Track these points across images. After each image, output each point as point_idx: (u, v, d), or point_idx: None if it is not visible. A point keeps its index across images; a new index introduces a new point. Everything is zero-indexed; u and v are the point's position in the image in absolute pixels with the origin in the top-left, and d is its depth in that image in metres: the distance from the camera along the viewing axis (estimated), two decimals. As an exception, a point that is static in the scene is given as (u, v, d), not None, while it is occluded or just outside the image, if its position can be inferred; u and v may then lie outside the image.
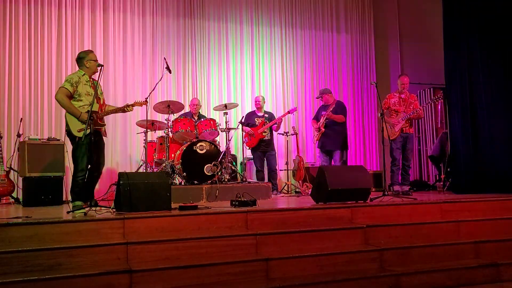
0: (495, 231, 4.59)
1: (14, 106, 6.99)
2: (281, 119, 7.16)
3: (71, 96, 4.56)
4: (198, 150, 5.91)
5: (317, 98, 7.56)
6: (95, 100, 4.60)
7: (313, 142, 7.39)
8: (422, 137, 9.35)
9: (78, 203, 4.48)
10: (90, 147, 4.39)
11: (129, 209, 4.02)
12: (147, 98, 5.46)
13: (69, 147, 4.75)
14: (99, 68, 4.60)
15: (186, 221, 3.99)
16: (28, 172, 5.74)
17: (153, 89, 6.24)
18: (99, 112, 4.65)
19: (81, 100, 4.56)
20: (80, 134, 4.41)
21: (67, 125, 4.54)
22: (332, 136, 6.87)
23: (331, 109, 6.85)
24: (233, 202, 4.59)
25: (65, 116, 4.56)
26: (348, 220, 4.43)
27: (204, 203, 5.16)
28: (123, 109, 4.82)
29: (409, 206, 4.77)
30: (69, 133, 4.54)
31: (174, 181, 6.11)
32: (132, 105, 4.86)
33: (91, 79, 4.71)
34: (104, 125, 4.70)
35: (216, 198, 5.55)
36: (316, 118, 7.19)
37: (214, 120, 6.43)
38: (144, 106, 5.81)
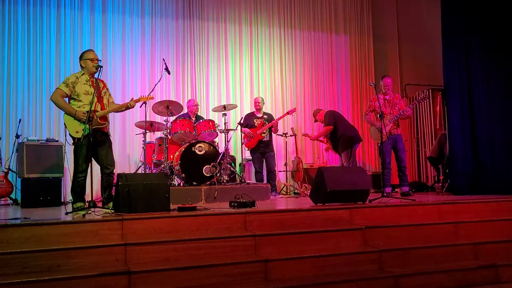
0: (494, 232, 4.59)
1: (13, 107, 6.98)
2: (277, 122, 7.14)
3: (70, 97, 4.58)
4: (197, 151, 5.91)
5: (315, 122, 7.81)
6: (96, 99, 4.59)
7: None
8: (420, 138, 9.36)
9: (79, 204, 4.48)
10: (89, 147, 4.38)
11: (128, 210, 4.01)
12: (151, 92, 5.47)
13: (68, 148, 4.76)
14: (97, 69, 4.60)
15: (184, 222, 3.98)
16: (27, 173, 5.73)
17: (152, 90, 6.22)
18: (98, 111, 4.63)
19: (80, 100, 4.56)
20: (78, 135, 4.43)
21: (65, 127, 4.54)
22: (332, 144, 7.17)
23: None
24: (232, 203, 4.60)
25: (64, 118, 4.57)
26: (347, 221, 4.43)
27: (202, 204, 5.15)
28: (126, 106, 4.79)
29: (408, 207, 4.78)
30: (69, 134, 4.55)
31: (173, 182, 6.11)
32: (137, 100, 4.84)
33: (93, 79, 4.69)
34: (105, 124, 4.67)
35: (214, 199, 5.55)
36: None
37: (213, 121, 6.43)
38: (143, 106, 5.84)
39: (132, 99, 4.84)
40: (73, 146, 4.54)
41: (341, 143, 6.96)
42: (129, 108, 4.85)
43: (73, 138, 4.50)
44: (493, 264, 4.13)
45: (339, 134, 6.97)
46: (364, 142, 9.06)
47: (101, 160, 4.68)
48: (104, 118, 4.67)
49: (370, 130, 6.47)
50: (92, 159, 4.70)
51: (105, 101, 4.75)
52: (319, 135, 7.43)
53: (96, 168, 4.73)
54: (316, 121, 7.57)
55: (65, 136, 4.57)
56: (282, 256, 3.80)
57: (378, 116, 5.84)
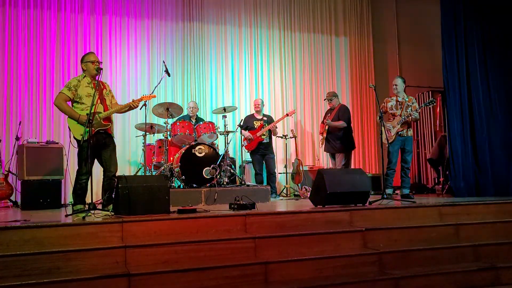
0: (494, 234, 4.59)
1: (13, 109, 6.99)
2: (274, 125, 7.11)
3: (72, 101, 4.59)
4: (197, 153, 5.91)
5: (324, 100, 7.49)
6: (100, 101, 4.60)
7: (319, 146, 7.45)
8: (421, 140, 9.36)
9: (80, 206, 4.49)
10: (88, 150, 4.38)
11: (128, 212, 4.01)
12: (152, 93, 5.48)
13: (68, 150, 4.75)
14: (98, 71, 4.61)
15: (184, 225, 3.97)
16: (27, 176, 5.73)
17: (152, 92, 6.22)
18: (101, 112, 4.63)
19: (83, 103, 4.58)
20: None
21: (70, 130, 4.55)
22: (333, 140, 6.96)
23: (333, 115, 6.95)
24: (232, 206, 4.59)
25: (67, 121, 4.58)
26: (347, 223, 4.42)
27: (202, 207, 5.15)
28: (129, 106, 4.79)
29: (408, 209, 4.77)
30: (73, 137, 4.56)
31: (173, 184, 6.11)
32: (139, 100, 4.85)
33: (94, 81, 4.69)
34: (108, 125, 4.68)
35: (214, 202, 5.54)
36: (323, 122, 7.28)
37: (213, 123, 6.43)
38: (143, 108, 5.84)
39: (133, 100, 4.84)
40: (78, 148, 4.55)
41: (344, 144, 6.94)
42: (133, 108, 4.85)
43: (77, 140, 4.51)
44: (493, 266, 4.13)
45: (347, 135, 6.97)
46: (364, 144, 9.08)
47: (104, 163, 4.68)
48: (108, 119, 4.68)
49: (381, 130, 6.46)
50: (96, 161, 4.71)
51: (107, 102, 4.76)
52: (332, 125, 6.93)
53: (96, 170, 4.73)
54: (326, 100, 7.26)
55: (70, 138, 4.57)
56: (282, 258, 3.80)
57: (378, 118, 5.87)
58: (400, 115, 6.04)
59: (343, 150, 6.93)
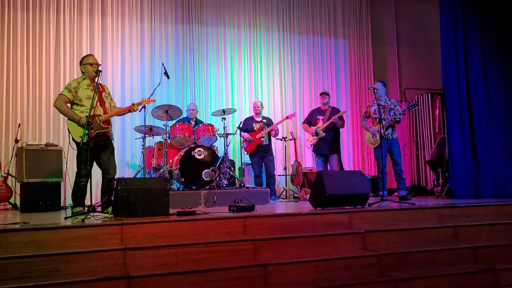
0: (493, 236, 4.60)
1: (12, 111, 6.98)
2: (277, 126, 7.15)
3: (72, 102, 4.59)
4: (196, 156, 5.91)
5: (325, 95, 7.23)
6: (99, 103, 4.60)
7: (308, 146, 7.33)
8: (420, 142, 9.36)
9: (79, 208, 4.49)
10: (87, 152, 4.38)
11: (127, 214, 4.01)
12: (151, 95, 5.49)
13: (67, 152, 4.75)
14: (96, 73, 4.61)
15: (184, 227, 3.98)
16: (26, 178, 5.72)
17: (151, 95, 6.22)
18: (101, 115, 4.64)
19: (83, 105, 4.58)
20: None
21: (69, 132, 4.55)
22: (330, 140, 6.96)
23: (327, 116, 6.97)
24: (231, 208, 4.59)
25: (67, 123, 4.58)
26: (346, 225, 4.43)
27: (202, 209, 5.15)
28: (129, 109, 4.80)
29: (407, 211, 4.78)
30: (72, 139, 4.56)
31: (172, 186, 6.10)
32: (139, 104, 4.85)
33: (94, 83, 4.70)
34: (108, 128, 4.69)
35: (214, 204, 5.54)
36: (308, 122, 7.22)
37: (212, 126, 6.44)
38: (142, 110, 5.84)
39: (133, 104, 4.85)
40: (77, 151, 4.55)
41: (338, 146, 7.04)
42: (132, 111, 4.86)
43: (77, 143, 4.51)
44: (492, 268, 4.13)
45: (338, 136, 7.04)
46: (363, 146, 9.08)
47: (103, 165, 4.69)
48: (107, 122, 4.69)
49: (366, 135, 6.50)
50: (94, 163, 4.70)
51: (107, 105, 4.77)
52: (338, 125, 6.92)
53: (95, 173, 4.73)
54: (324, 94, 7.18)
55: (69, 141, 4.57)
56: (282, 260, 3.80)
57: (377, 121, 5.89)
58: (384, 119, 6.07)
59: (337, 151, 6.99)
